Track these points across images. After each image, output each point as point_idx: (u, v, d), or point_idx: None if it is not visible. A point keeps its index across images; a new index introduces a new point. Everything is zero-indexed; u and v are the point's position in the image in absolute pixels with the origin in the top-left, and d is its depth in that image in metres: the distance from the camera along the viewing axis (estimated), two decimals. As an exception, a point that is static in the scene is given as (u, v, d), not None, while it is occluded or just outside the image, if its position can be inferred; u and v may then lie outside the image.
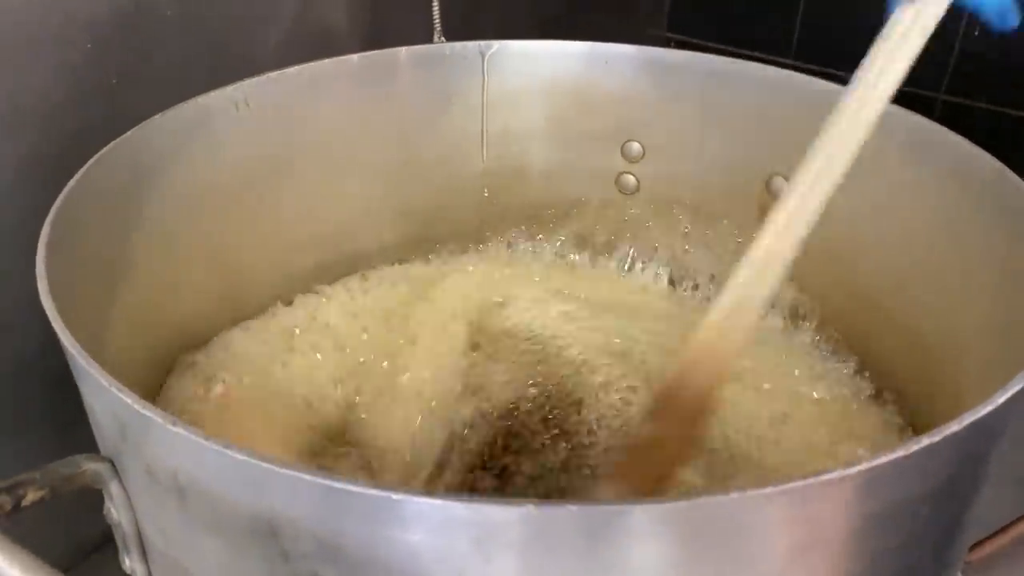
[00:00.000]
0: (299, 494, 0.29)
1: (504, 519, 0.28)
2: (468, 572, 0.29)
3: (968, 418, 0.31)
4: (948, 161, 0.50)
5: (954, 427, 0.31)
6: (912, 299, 0.53)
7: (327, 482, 0.28)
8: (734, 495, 0.28)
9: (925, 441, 0.30)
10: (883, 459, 0.30)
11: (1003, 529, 0.59)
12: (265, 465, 0.29)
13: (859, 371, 0.57)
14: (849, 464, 0.29)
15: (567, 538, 0.28)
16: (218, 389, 0.52)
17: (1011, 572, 0.58)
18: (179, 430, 0.30)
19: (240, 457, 0.29)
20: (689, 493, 0.28)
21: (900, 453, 0.30)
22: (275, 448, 0.50)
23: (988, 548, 0.58)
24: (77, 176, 0.44)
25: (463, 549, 0.29)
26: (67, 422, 0.44)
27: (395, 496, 0.28)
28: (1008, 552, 0.58)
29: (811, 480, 0.29)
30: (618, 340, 0.59)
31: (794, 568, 0.31)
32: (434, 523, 0.28)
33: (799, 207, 0.44)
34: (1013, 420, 0.38)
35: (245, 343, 0.57)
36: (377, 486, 0.28)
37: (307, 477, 0.28)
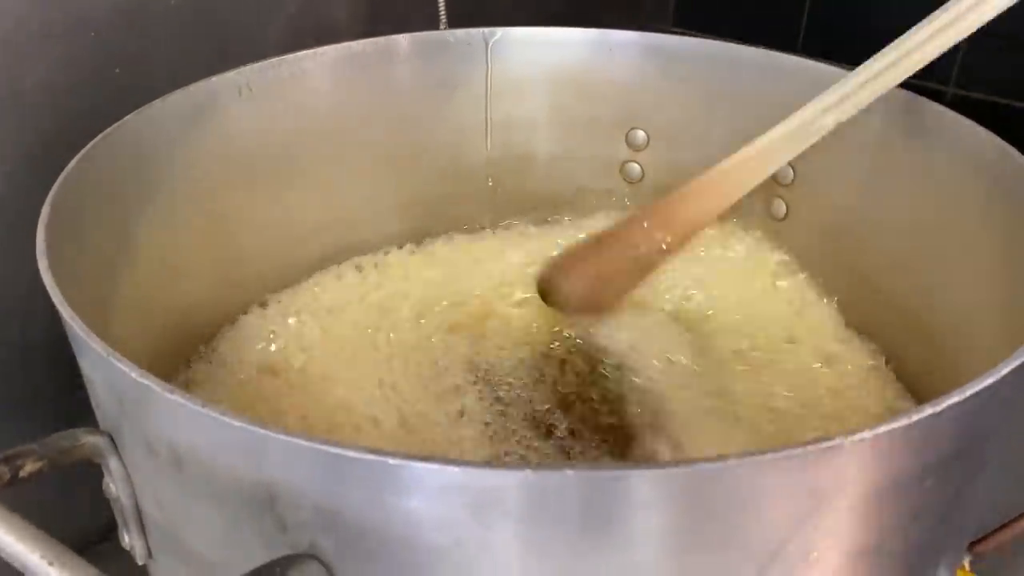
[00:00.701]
0: (297, 460, 0.29)
1: (501, 484, 0.28)
2: (466, 538, 0.29)
3: (970, 388, 0.31)
4: (951, 141, 0.50)
5: (956, 397, 0.31)
6: (915, 279, 0.53)
7: (324, 447, 0.28)
8: (732, 461, 0.28)
9: (928, 410, 0.30)
10: (885, 427, 0.29)
11: (1013, 521, 0.59)
12: (262, 431, 0.29)
13: (866, 348, 0.57)
14: (851, 431, 0.29)
15: (565, 503, 0.28)
16: None
17: (1020, 563, 0.58)
18: (176, 398, 0.30)
19: (238, 424, 0.29)
20: (688, 459, 0.28)
21: (903, 421, 0.30)
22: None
23: (997, 539, 0.58)
24: (76, 158, 0.44)
25: (460, 515, 0.29)
26: (71, 407, 0.44)
27: (392, 461, 0.27)
28: (1018, 543, 0.58)
29: (811, 447, 0.29)
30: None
31: (796, 538, 0.31)
32: (431, 488, 0.28)
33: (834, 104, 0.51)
34: (1018, 398, 0.38)
35: (251, 332, 0.58)
36: (374, 451, 0.28)
37: (304, 443, 0.28)
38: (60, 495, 0.51)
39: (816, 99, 0.52)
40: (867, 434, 0.29)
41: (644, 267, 0.59)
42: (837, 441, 0.29)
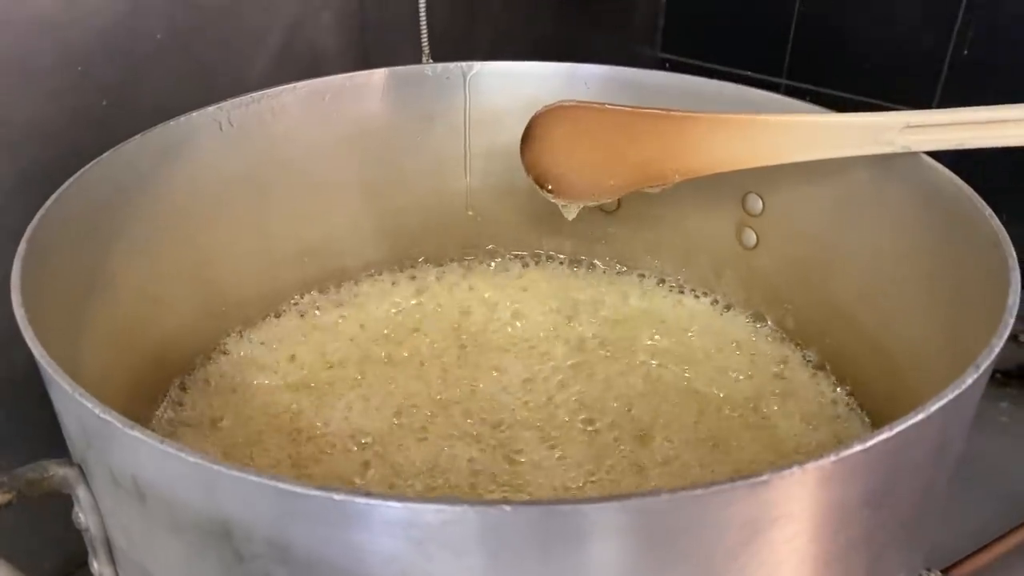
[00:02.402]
0: (248, 496, 0.30)
1: (440, 520, 0.29)
2: (411, 572, 0.30)
3: (900, 424, 0.32)
4: (912, 178, 0.51)
5: (884, 434, 0.32)
6: (878, 313, 0.54)
7: (273, 483, 0.29)
8: (664, 496, 0.29)
9: (856, 446, 0.31)
10: (843, 453, 0.31)
11: (987, 546, 0.60)
12: (215, 467, 0.30)
13: (826, 376, 0.59)
14: (809, 457, 0.30)
15: (505, 537, 0.29)
16: None
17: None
18: (136, 434, 0.31)
19: (192, 460, 0.30)
20: (621, 495, 0.29)
21: (857, 447, 0.31)
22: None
23: (972, 564, 0.59)
24: (55, 195, 0.45)
25: (405, 549, 0.30)
26: (53, 444, 0.45)
27: (336, 497, 0.29)
28: (991, 568, 0.59)
29: (767, 476, 0.30)
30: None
31: (753, 564, 0.32)
32: (374, 524, 0.29)
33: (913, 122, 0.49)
34: (968, 426, 0.39)
35: (232, 362, 0.59)
36: (320, 488, 0.29)
37: (253, 478, 0.29)
38: (30, 525, 0.52)
39: (899, 113, 0.50)
40: (824, 461, 0.30)
41: (644, 174, 0.57)
42: (794, 469, 0.30)
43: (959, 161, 0.50)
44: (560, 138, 0.59)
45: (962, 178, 0.49)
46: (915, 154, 0.51)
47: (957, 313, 0.47)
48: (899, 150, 0.50)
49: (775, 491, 0.30)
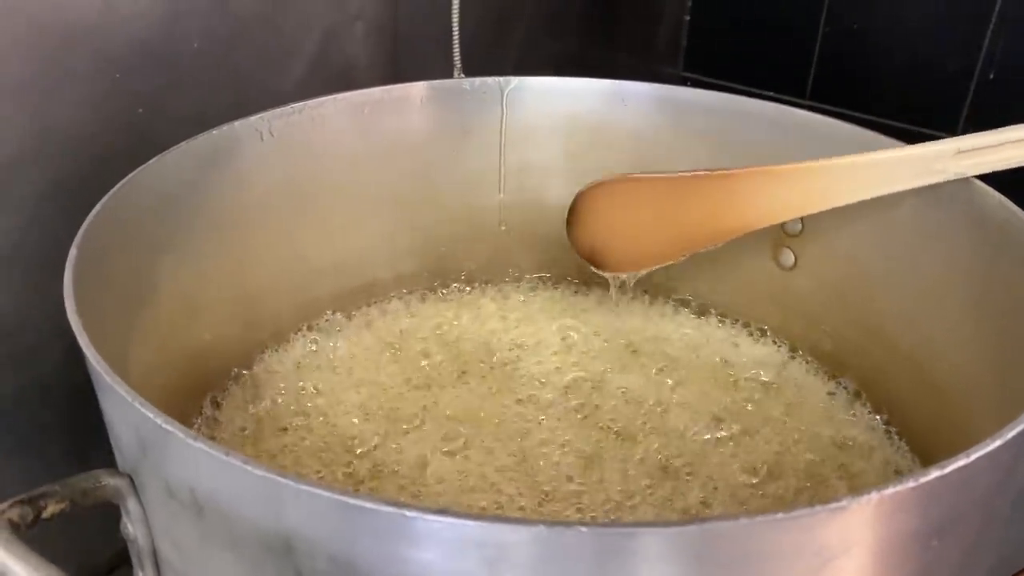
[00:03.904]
0: (315, 510, 0.30)
1: (515, 539, 0.28)
2: (479, 592, 0.30)
3: (976, 452, 0.32)
4: (959, 201, 0.51)
5: (962, 460, 0.31)
6: (922, 338, 0.53)
7: (342, 498, 0.29)
8: (743, 520, 0.28)
9: (935, 473, 0.31)
10: (892, 489, 0.30)
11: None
12: (283, 481, 0.29)
13: (871, 406, 0.58)
14: (858, 493, 0.30)
15: (578, 559, 0.29)
16: None
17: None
18: (199, 445, 0.31)
19: (259, 473, 0.30)
20: (699, 517, 0.28)
21: (910, 484, 0.30)
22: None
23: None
24: (103, 200, 0.45)
25: (475, 569, 0.29)
26: (82, 444, 0.45)
27: (408, 513, 0.28)
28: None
29: (819, 508, 0.29)
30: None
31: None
32: (446, 542, 0.29)
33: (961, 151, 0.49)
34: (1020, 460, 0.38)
35: (267, 372, 0.59)
36: (391, 503, 0.28)
37: (323, 493, 0.29)
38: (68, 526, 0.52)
39: (949, 140, 0.50)
40: (874, 495, 0.30)
41: (695, 238, 0.55)
42: (844, 502, 0.29)
43: (1008, 185, 0.50)
44: (607, 213, 0.57)
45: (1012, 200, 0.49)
46: (967, 179, 0.50)
47: (1006, 339, 0.46)
48: (952, 177, 0.50)
49: (853, 517, 0.30)
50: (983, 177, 0.50)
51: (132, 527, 0.37)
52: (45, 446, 0.57)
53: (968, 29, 0.92)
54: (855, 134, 0.57)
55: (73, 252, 0.41)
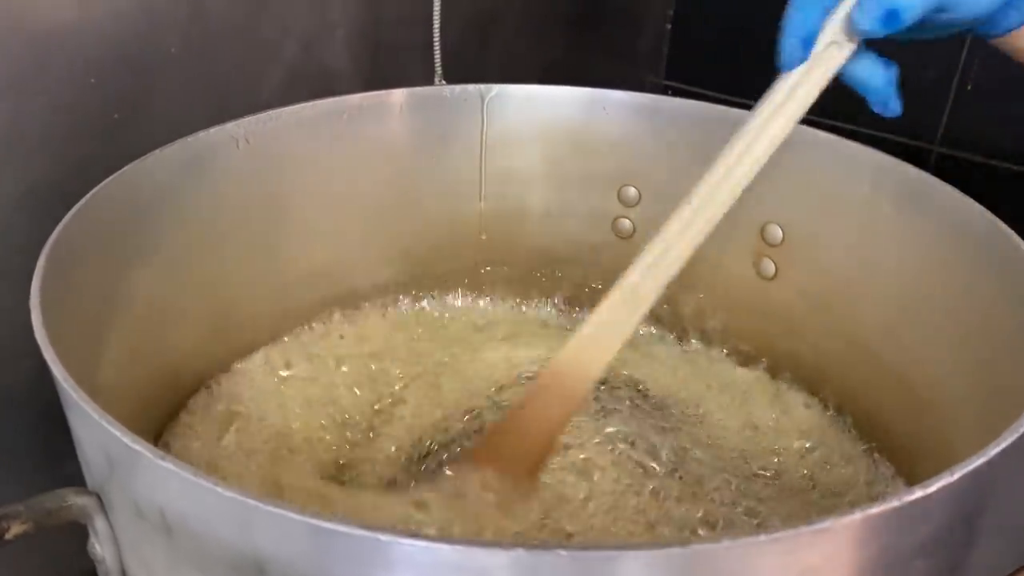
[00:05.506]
0: (287, 533, 0.29)
1: (493, 563, 0.28)
2: (456, 616, 0.29)
3: (960, 469, 0.31)
4: (940, 212, 0.51)
5: (947, 478, 0.31)
6: (903, 349, 0.53)
7: (315, 521, 0.28)
8: (726, 543, 0.28)
9: (918, 492, 0.30)
10: (876, 509, 0.29)
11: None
12: (253, 503, 0.29)
13: (850, 422, 0.57)
14: (842, 513, 0.29)
15: (558, 583, 0.28)
16: None
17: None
18: (168, 465, 0.30)
19: (228, 494, 0.29)
20: (682, 540, 0.28)
21: (894, 503, 0.30)
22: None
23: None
24: (74, 210, 0.44)
25: (451, 593, 0.28)
26: (54, 457, 0.44)
27: (382, 537, 0.27)
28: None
29: (803, 529, 0.29)
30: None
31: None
32: (422, 566, 0.28)
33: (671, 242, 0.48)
34: (1008, 473, 0.38)
35: (242, 382, 0.57)
36: (365, 527, 0.28)
37: (295, 516, 0.28)
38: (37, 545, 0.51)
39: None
40: (857, 516, 0.29)
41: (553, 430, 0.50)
42: (828, 523, 0.29)
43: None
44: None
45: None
46: (945, 191, 0.50)
47: (989, 349, 0.46)
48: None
49: (837, 538, 0.29)
50: (965, 190, 0.50)
51: (100, 547, 0.36)
52: (12, 465, 0.56)
53: (947, 41, 0.92)
54: (833, 143, 0.57)
55: (41, 262, 0.40)
